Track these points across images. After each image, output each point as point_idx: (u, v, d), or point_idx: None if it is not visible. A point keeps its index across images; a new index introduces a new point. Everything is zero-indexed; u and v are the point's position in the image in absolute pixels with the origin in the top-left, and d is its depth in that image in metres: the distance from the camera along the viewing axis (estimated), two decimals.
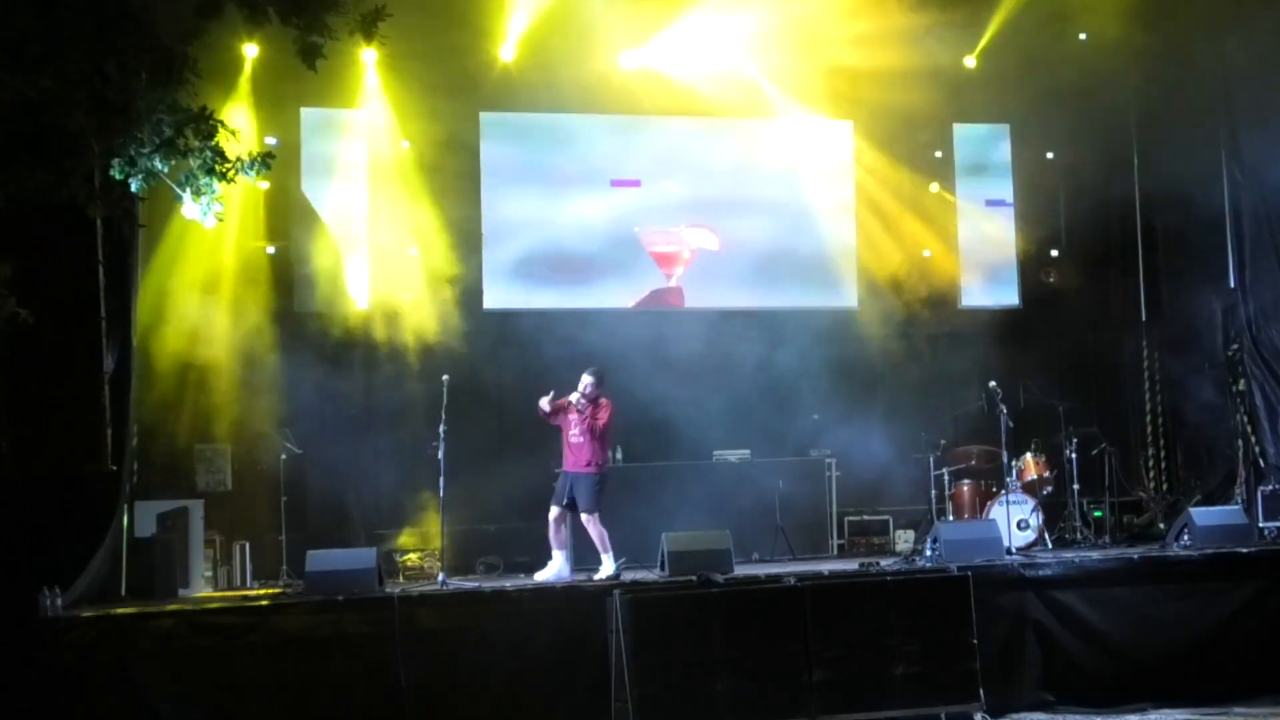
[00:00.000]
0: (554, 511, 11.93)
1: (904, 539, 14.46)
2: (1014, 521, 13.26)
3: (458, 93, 14.30)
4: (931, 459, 14.30)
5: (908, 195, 16.03)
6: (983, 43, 15.47)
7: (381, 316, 14.36)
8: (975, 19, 15.28)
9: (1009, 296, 16.29)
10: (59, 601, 9.60)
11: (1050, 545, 13.47)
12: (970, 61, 15.66)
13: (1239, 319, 14.44)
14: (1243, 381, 14.33)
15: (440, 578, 11.48)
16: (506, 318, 14.76)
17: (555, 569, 11.82)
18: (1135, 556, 11.74)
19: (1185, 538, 12.17)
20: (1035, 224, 16.24)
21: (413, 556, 13.21)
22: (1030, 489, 13.88)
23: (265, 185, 13.15)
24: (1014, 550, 12.44)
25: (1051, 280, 16.32)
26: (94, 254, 10.67)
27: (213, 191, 9.14)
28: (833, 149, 15.90)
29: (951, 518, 13.98)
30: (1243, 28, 13.99)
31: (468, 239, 14.64)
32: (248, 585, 12.50)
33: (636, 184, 15.38)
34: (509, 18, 14.30)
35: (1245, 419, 14.25)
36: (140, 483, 12.11)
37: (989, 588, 10.74)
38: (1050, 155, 16.21)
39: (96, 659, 9.41)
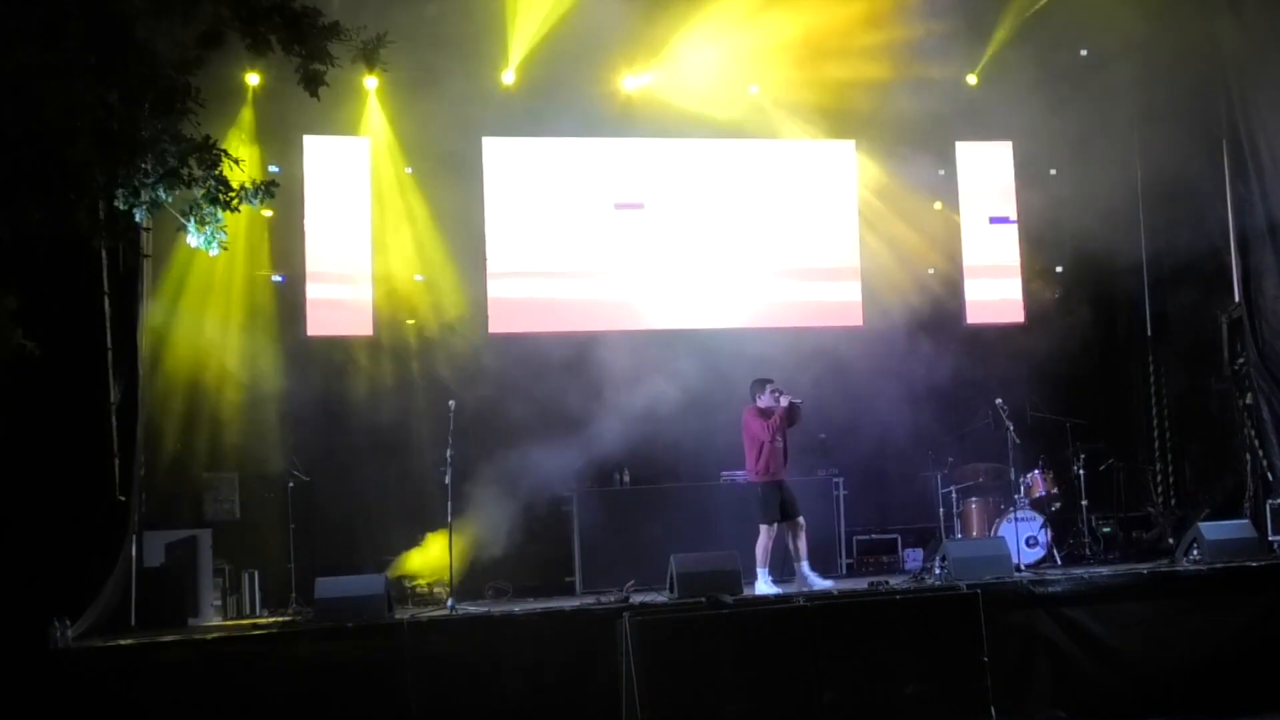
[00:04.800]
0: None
1: (912, 558, 14.43)
2: (1023, 538, 13.29)
3: (460, 118, 14.28)
4: (939, 477, 14.32)
5: (911, 213, 16.06)
6: (984, 60, 15.52)
7: (387, 342, 14.41)
8: (976, 37, 15.32)
9: (1014, 313, 16.25)
10: (69, 633, 9.61)
11: (1059, 562, 13.48)
12: (972, 79, 15.69)
13: (1245, 332, 14.40)
14: (1250, 395, 14.27)
15: (449, 603, 11.46)
16: (511, 341, 14.72)
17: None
18: (1145, 572, 11.70)
19: (1194, 552, 12.09)
20: (1039, 240, 16.25)
21: (421, 582, 13.18)
22: (1038, 505, 13.88)
23: (269, 213, 13.20)
24: (1023, 567, 12.39)
25: (1056, 296, 16.33)
26: (99, 285, 10.70)
27: (217, 220, 9.15)
28: (835, 168, 15.93)
29: (960, 535, 13.98)
30: (1245, 42, 14.00)
31: (472, 264, 14.69)
32: (257, 613, 12.49)
33: (640, 206, 15.42)
34: (511, 43, 14.36)
35: (1252, 432, 14.20)
36: (148, 512, 12.09)
37: (998, 605, 10.72)
38: (1053, 172, 16.21)
39: (107, 690, 9.40)
